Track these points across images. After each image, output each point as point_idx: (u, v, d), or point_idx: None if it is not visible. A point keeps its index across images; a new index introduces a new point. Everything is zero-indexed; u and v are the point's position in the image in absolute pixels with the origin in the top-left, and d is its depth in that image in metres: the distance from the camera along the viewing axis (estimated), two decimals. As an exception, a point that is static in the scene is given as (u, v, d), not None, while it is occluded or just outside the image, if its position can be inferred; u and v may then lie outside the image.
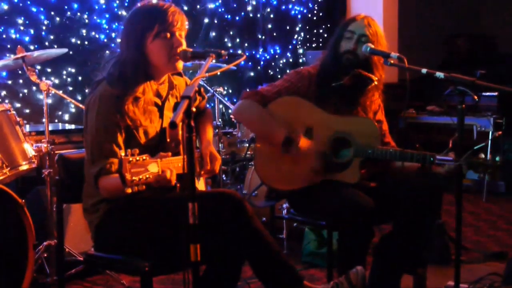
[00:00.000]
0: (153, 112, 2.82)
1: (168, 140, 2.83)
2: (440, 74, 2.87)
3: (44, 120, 3.95)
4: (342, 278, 2.83)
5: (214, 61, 2.58)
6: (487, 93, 6.63)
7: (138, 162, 2.21)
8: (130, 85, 2.73)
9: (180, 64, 2.79)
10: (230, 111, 3.36)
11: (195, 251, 2.04)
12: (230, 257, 2.66)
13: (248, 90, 3.40)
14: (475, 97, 2.76)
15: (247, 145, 4.87)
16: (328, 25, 7.61)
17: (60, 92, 4.27)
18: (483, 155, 2.96)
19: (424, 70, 2.94)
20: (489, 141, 5.79)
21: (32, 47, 5.00)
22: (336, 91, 3.32)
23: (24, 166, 3.70)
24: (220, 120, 5.04)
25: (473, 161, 2.93)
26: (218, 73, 5.70)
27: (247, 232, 2.67)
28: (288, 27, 7.18)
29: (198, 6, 6.31)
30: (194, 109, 2.04)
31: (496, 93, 6.66)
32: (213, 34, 6.44)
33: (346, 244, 3.12)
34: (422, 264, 3.70)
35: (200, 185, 3.03)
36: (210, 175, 2.92)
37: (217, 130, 4.85)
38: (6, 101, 4.87)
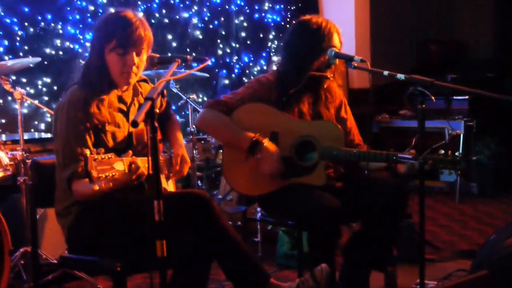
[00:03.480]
0: (119, 117, 2.89)
1: (134, 143, 2.90)
2: (400, 76, 2.93)
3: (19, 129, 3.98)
4: (307, 275, 2.91)
5: (183, 69, 2.63)
6: (459, 97, 6.77)
7: (103, 160, 2.28)
8: (95, 89, 2.81)
9: (133, 80, 2.88)
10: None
11: (162, 247, 2.10)
12: (198, 257, 2.71)
13: (211, 99, 3.43)
14: (432, 97, 2.84)
15: (221, 150, 4.94)
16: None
17: (36, 102, 4.31)
18: (442, 151, 3.06)
19: (386, 72, 2.99)
20: (461, 142, 5.91)
21: (6, 58, 5.04)
22: (296, 96, 3.41)
23: (-1, 174, 3.74)
24: (194, 126, 5.09)
25: (432, 157, 3.03)
26: (191, 80, 5.74)
27: (214, 231, 2.75)
28: (261, 35, 7.27)
29: (171, 15, 6.37)
30: (157, 110, 2.10)
31: (467, 97, 6.78)
32: (187, 42, 6.50)
33: (314, 244, 3.20)
34: (391, 262, 3.78)
35: (170, 186, 3.09)
36: (178, 176, 2.98)
37: (191, 137, 4.91)
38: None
